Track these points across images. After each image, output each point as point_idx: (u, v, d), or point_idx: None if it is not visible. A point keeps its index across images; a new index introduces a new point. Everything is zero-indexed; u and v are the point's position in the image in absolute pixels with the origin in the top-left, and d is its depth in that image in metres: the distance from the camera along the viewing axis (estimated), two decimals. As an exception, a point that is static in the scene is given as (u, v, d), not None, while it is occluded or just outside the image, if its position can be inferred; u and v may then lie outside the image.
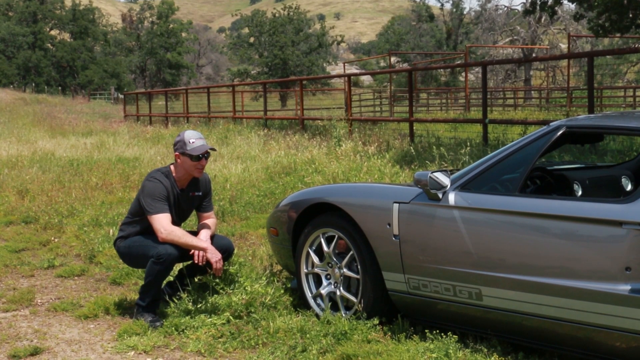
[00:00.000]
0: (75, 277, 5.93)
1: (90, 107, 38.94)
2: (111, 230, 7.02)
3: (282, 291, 4.84)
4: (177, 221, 4.82)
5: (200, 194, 4.91)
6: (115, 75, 64.29)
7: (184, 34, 70.42)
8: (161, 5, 69.22)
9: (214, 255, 4.55)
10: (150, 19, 69.36)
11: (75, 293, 5.47)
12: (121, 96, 47.63)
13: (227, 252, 4.80)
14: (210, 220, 4.96)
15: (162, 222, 4.56)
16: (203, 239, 4.65)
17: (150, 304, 4.65)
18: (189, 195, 4.84)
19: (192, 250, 4.60)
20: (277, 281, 5.09)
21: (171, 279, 4.98)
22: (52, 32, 70.38)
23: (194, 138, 4.69)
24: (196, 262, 4.58)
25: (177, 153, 4.72)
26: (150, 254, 4.55)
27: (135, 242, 4.73)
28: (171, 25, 67.14)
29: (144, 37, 68.12)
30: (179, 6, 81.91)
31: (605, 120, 4.10)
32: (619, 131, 4.23)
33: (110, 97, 53.72)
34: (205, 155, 4.71)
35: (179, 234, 4.57)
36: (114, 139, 17.14)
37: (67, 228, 7.63)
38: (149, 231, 4.68)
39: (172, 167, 4.81)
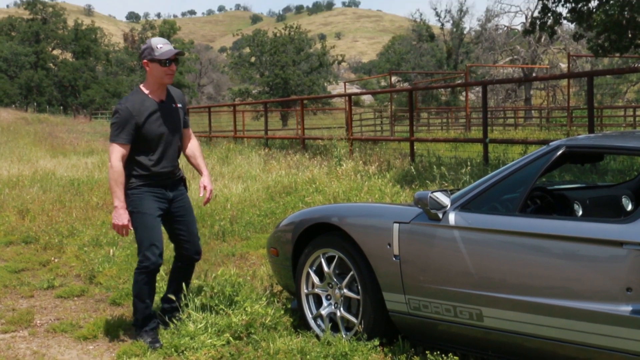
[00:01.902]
0: (75, 298, 5.91)
1: (92, 126, 39.05)
2: (111, 250, 7.01)
3: (283, 312, 4.82)
4: (170, 134, 4.66)
5: (181, 105, 4.81)
6: (117, 94, 64.54)
7: (185, 54, 70.76)
8: (163, 25, 69.65)
9: (117, 219, 4.49)
10: (152, 39, 69.75)
11: (74, 314, 5.44)
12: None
13: (197, 255, 4.88)
14: (195, 143, 4.96)
15: (113, 154, 4.48)
16: (120, 199, 4.48)
17: (145, 320, 4.63)
18: (171, 107, 4.72)
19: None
20: (278, 302, 5.07)
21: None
22: (55, 52, 70.76)
23: (161, 43, 4.58)
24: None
25: (145, 61, 4.59)
26: (138, 251, 4.58)
27: (133, 207, 4.56)
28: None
29: (146, 57, 68.41)
30: (181, 26, 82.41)
31: (605, 140, 4.09)
32: (619, 151, 4.23)
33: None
34: (174, 60, 4.60)
35: (115, 177, 4.45)
36: (115, 158, 17.10)
37: (67, 248, 7.62)
38: (133, 158, 4.57)
39: (140, 85, 4.70)
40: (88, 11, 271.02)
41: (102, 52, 71.44)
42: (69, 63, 68.91)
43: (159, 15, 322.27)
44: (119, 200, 4.47)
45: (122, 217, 4.48)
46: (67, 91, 68.14)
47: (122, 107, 4.51)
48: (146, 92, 4.63)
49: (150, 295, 4.68)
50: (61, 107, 64.61)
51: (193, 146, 4.96)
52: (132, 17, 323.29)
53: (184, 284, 4.89)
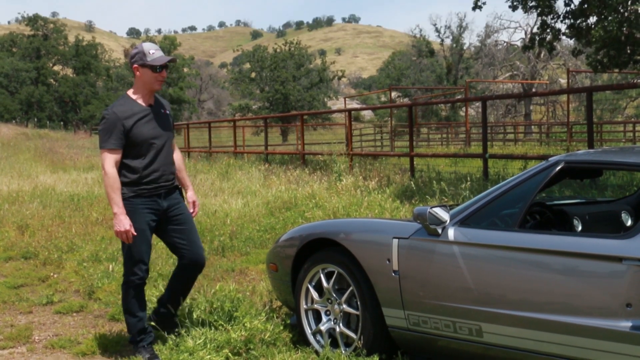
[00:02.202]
0: (74, 314, 5.89)
1: (92, 142, 39.01)
2: (111, 266, 6.99)
3: (282, 327, 4.81)
4: (160, 139, 4.56)
5: (169, 112, 4.73)
6: (118, 110, 64.52)
7: (185, 69, 70.94)
8: (163, 40, 69.85)
9: (118, 225, 4.38)
10: (153, 55, 69.89)
11: (73, 329, 5.42)
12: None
13: (197, 266, 4.75)
14: (179, 155, 4.87)
15: (105, 161, 4.40)
16: (119, 206, 4.39)
17: (140, 334, 4.60)
18: (160, 112, 4.63)
19: None
20: (277, 317, 5.06)
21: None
22: (55, 68, 70.96)
23: (153, 49, 4.50)
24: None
25: (136, 65, 4.49)
26: (124, 264, 4.56)
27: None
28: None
29: (146, 73, 68.49)
30: (181, 42, 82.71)
31: (604, 155, 4.10)
32: (618, 166, 4.23)
33: (112, 132, 53.73)
34: (165, 67, 4.54)
35: (110, 183, 4.38)
36: (115, 173, 17.08)
37: (66, 264, 7.60)
38: (124, 164, 4.49)
39: (128, 92, 4.61)
40: (89, 27, 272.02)
41: (102, 68, 71.66)
42: (69, 79, 69.10)
43: (159, 31, 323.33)
44: (118, 207, 4.37)
45: (122, 222, 4.37)
46: (68, 107, 68.28)
47: (109, 112, 4.43)
48: (134, 97, 4.55)
49: (141, 308, 4.64)
50: (61, 123, 64.70)
51: (178, 159, 4.86)
52: (133, 33, 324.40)
53: (181, 297, 4.82)
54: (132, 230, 4.41)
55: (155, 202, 4.54)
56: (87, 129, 56.91)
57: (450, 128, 38.36)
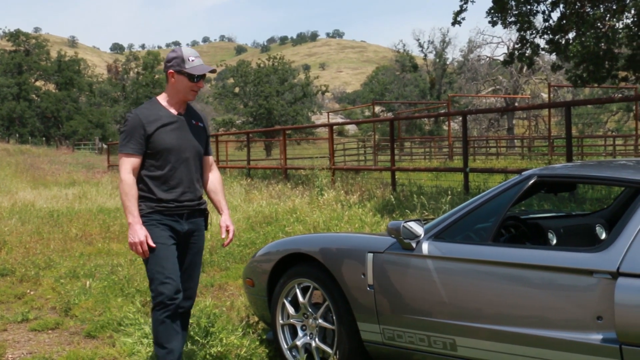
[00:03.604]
0: (49, 331, 5.83)
1: (74, 157, 38.80)
2: (88, 282, 6.94)
3: (258, 343, 4.79)
4: (185, 151, 4.11)
5: (203, 125, 4.27)
6: (100, 125, 64.36)
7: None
8: (147, 56, 69.74)
9: (132, 236, 3.93)
10: (136, 70, 69.77)
11: (48, 347, 5.36)
12: (105, 146, 47.57)
13: (180, 300, 4.06)
14: (217, 176, 4.40)
15: (122, 166, 4.01)
16: (134, 215, 3.96)
17: None
18: (192, 123, 4.19)
19: None
20: (253, 332, 5.04)
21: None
22: (37, 83, 70.58)
23: (193, 56, 4.11)
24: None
25: (171, 71, 4.09)
26: (150, 287, 4.04)
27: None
28: (157, 76, 67.51)
29: (129, 88, 68.41)
30: (165, 57, 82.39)
31: (578, 169, 4.11)
32: (590, 181, 4.25)
33: (95, 148, 53.68)
34: (202, 77, 4.14)
35: (125, 190, 3.96)
36: (97, 189, 17.07)
37: (43, 280, 7.54)
38: (142, 177, 4.09)
39: (157, 97, 4.23)
40: (72, 42, 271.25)
41: (85, 83, 71.32)
42: (51, 94, 68.72)
43: (143, 46, 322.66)
44: (132, 216, 3.93)
45: (137, 233, 3.91)
46: (50, 122, 67.90)
47: (133, 114, 4.07)
48: (163, 103, 4.17)
49: (172, 338, 4.01)
50: (44, 138, 64.37)
51: (215, 180, 4.37)
52: (116, 48, 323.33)
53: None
54: (150, 241, 3.96)
55: (177, 221, 4.09)
56: (69, 145, 56.60)
57: (434, 142, 38.53)
